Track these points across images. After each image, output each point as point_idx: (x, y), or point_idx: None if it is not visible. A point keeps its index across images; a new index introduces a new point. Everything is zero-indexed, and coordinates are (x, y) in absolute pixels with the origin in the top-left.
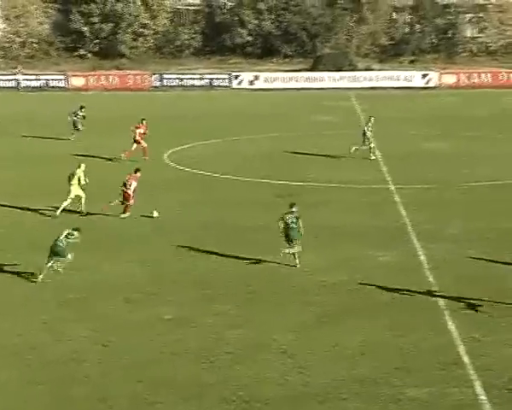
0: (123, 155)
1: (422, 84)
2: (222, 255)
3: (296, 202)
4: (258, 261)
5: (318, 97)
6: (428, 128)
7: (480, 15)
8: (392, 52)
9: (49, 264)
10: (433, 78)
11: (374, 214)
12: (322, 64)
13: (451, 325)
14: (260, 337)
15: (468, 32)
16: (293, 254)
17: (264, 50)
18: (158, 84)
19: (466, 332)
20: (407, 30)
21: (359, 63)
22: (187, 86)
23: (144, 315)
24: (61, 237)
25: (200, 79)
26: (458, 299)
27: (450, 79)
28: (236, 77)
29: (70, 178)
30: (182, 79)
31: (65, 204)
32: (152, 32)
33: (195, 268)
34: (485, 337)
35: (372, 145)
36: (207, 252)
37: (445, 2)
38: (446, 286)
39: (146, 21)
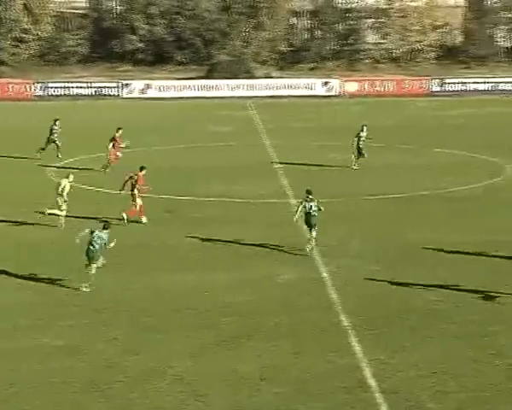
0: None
1: (324, 93)
2: (112, 277)
3: (187, 218)
4: (151, 283)
5: (214, 107)
6: (331, 138)
7: (382, 21)
8: (292, 59)
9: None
10: (335, 86)
11: (274, 230)
12: (218, 72)
13: (356, 346)
14: (156, 364)
15: (371, 37)
16: (314, 238)
17: (157, 57)
18: (41, 93)
19: (371, 353)
20: (307, 36)
21: (257, 71)
22: (73, 95)
23: (32, 342)
24: (94, 241)
25: (88, 87)
26: (363, 318)
27: (352, 87)
28: (127, 85)
29: (57, 187)
30: (68, 88)
31: (49, 211)
32: (34, 37)
33: (84, 292)
34: (391, 359)
35: (365, 155)
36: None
37: (345, 7)
38: (350, 305)
39: (28, 26)
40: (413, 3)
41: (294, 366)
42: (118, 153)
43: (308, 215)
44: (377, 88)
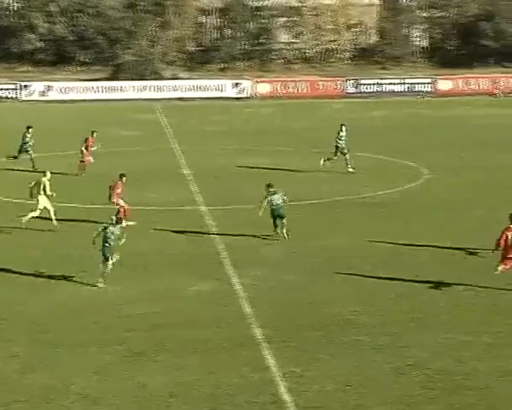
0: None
1: (235, 94)
2: (8, 289)
3: (89, 227)
4: (51, 297)
5: (119, 109)
6: (242, 142)
7: (295, 19)
8: (201, 59)
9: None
10: (246, 87)
11: (183, 239)
12: (124, 72)
13: (270, 360)
14: (58, 381)
15: (283, 37)
16: (284, 228)
17: (58, 57)
18: None
19: (286, 366)
20: (216, 35)
21: (165, 71)
22: None
23: None
24: (109, 237)
25: None
26: (277, 330)
27: (264, 89)
28: (26, 87)
29: (34, 188)
30: None
31: (34, 215)
32: None
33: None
34: (307, 372)
35: (348, 157)
36: None
37: (256, 5)
38: (264, 317)
39: None
40: (326, 1)
41: (206, 381)
42: (90, 157)
43: (274, 208)
44: (290, 89)
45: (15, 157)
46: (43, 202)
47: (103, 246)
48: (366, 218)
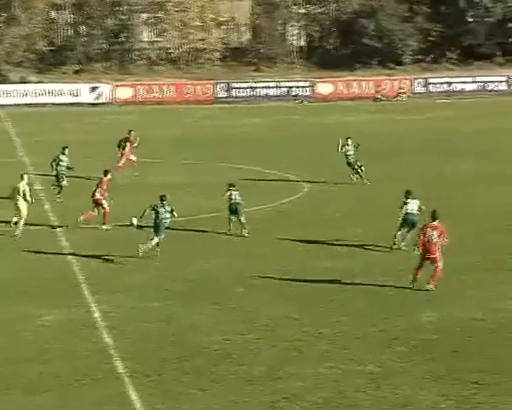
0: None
1: (92, 100)
2: None
3: None
4: None
5: None
6: (101, 153)
7: (159, 15)
8: (53, 60)
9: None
10: (105, 91)
11: (33, 262)
12: None
13: (134, 396)
14: None
15: (145, 35)
16: (244, 224)
17: None
18: None
19: (152, 404)
20: (70, 33)
21: (11, 74)
22: None
23: None
24: (163, 215)
25: None
26: (141, 363)
27: (125, 93)
28: None
29: (13, 193)
30: None
31: (21, 223)
32: None
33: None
34: (175, 409)
35: (361, 169)
36: None
37: (115, 0)
38: (126, 348)
39: None
40: None
41: None
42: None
43: (234, 203)
44: (154, 94)
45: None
46: (23, 206)
47: (157, 224)
48: (239, 237)
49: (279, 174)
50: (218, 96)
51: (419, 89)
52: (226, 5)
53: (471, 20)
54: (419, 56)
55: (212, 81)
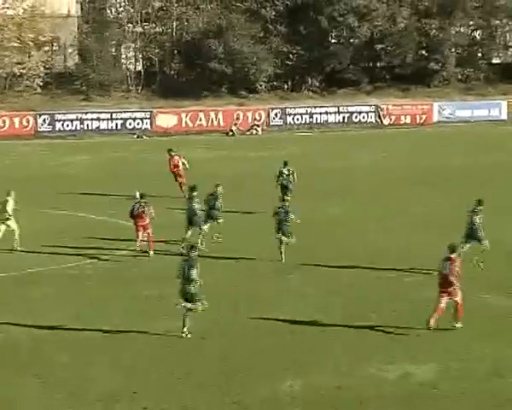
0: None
1: None
2: None
3: None
4: None
5: None
6: None
7: None
8: None
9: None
10: None
11: None
12: None
13: None
14: None
15: None
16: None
17: None
18: None
19: None
20: None
21: None
22: None
23: None
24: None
25: None
26: None
27: None
28: None
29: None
30: None
31: (18, 233)
32: None
33: None
34: None
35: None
36: None
37: None
38: None
39: None
40: (9, 11)
41: None
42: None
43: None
44: None
45: None
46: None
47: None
48: (78, 291)
49: (109, 221)
50: (40, 129)
51: (276, 121)
52: (49, 23)
53: (334, 41)
54: (275, 83)
55: (32, 112)
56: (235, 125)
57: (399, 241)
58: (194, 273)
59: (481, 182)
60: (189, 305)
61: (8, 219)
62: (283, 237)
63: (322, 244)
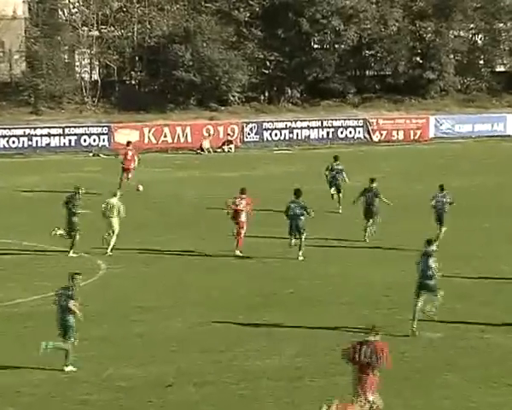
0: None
1: None
2: None
3: None
4: None
5: None
6: None
7: None
8: None
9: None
10: None
11: None
12: None
13: None
14: None
15: None
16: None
17: None
18: None
19: None
20: None
21: None
22: None
23: None
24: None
25: None
26: None
27: None
28: None
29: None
30: None
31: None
32: None
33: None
34: None
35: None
36: None
37: None
38: None
39: None
40: None
41: None
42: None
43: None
44: None
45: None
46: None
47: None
48: (15, 335)
49: (59, 249)
50: None
51: (251, 137)
52: None
53: (317, 46)
54: (250, 94)
55: None
56: (204, 141)
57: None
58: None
59: (485, 206)
60: None
61: None
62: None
63: None
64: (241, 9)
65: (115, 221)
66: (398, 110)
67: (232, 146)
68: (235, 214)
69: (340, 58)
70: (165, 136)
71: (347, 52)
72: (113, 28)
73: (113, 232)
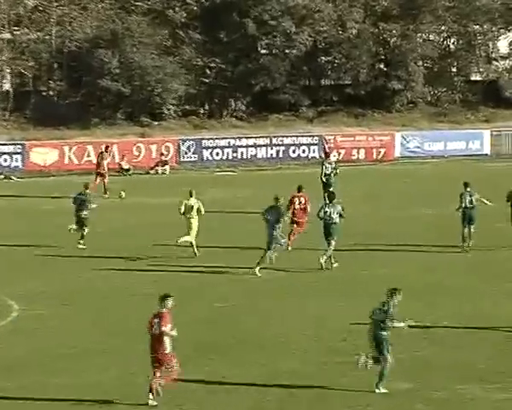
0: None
1: None
2: None
3: None
4: None
5: None
6: None
7: None
8: None
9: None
10: None
11: None
12: None
13: None
14: None
15: None
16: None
17: None
18: None
19: None
20: None
21: None
22: None
23: None
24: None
25: None
26: None
27: None
28: None
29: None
30: None
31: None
32: None
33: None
34: None
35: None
36: None
37: None
38: None
39: None
40: None
41: None
42: None
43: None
44: None
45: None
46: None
47: (329, 227)
48: None
49: None
50: None
51: (189, 156)
52: None
53: (265, 51)
54: (188, 107)
55: None
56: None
57: None
58: None
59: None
60: None
61: None
62: None
63: None
64: (177, 9)
65: (194, 221)
66: (359, 125)
67: (167, 167)
68: (299, 214)
69: (292, 65)
70: (89, 155)
71: (300, 58)
72: (27, 30)
73: (193, 231)
